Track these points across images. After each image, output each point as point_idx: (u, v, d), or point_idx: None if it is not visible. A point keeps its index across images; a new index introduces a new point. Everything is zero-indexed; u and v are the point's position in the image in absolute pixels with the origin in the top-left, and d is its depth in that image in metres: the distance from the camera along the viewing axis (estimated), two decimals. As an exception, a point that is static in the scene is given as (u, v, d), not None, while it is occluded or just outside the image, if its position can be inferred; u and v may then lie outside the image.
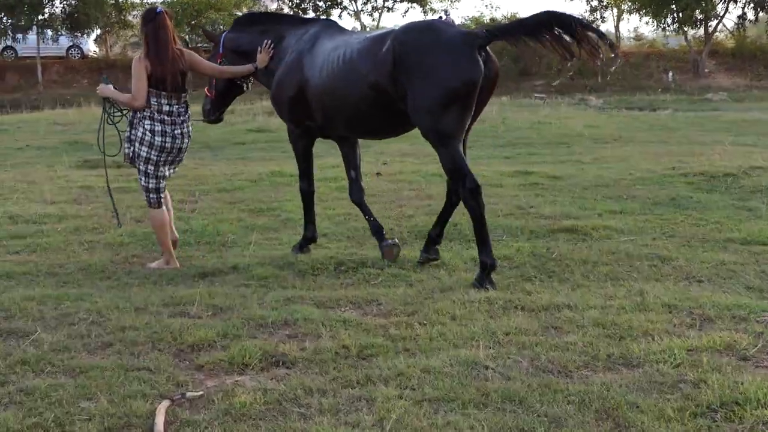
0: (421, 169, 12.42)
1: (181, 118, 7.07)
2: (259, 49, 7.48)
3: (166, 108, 6.98)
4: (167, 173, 7.18)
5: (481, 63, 6.23)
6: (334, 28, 7.40)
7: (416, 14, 53.19)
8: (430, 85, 6.18)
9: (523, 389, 4.27)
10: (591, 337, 5.08)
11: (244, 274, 6.72)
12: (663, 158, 13.84)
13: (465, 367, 4.55)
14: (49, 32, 44.43)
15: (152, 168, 7.03)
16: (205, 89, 7.94)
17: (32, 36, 44.35)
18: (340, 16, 50.52)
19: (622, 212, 9.27)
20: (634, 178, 11.65)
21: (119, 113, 7.41)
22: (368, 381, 4.38)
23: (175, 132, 7.00)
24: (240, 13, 42.39)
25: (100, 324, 5.40)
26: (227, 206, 9.76)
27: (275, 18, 7.85)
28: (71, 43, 47.35)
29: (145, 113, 6.96)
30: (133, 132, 7.06)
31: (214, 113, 7.96)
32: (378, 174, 12.07)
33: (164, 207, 7.18)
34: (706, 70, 45.53)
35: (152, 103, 6.94)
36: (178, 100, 7.06)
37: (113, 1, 44.57)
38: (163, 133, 6.96)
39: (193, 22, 39.29)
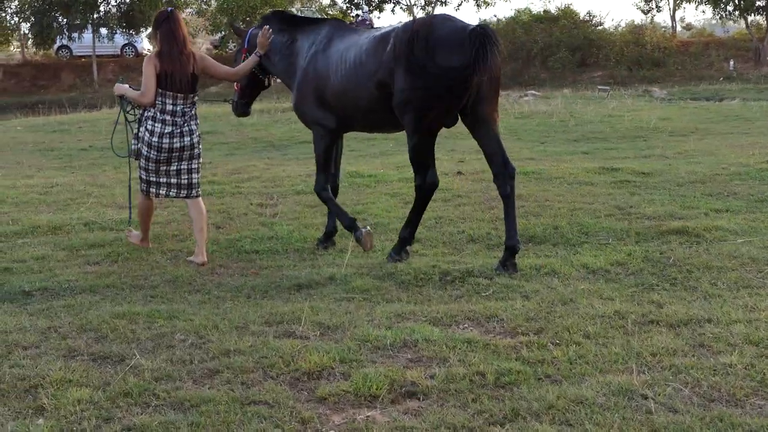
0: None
1: (186, 117, 7.28)
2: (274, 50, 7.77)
3: (170, 107, 7.22)
4: (174, 169, 7.32)
5: (473, 56, 6.20)
6: (344, 28, 7.61)
7: (469, 7, 52.64)
8: (416, 76, 6.35)
9: (696, 424, 3.77)
10: (749, 358, 4.54)
11: (343, 286, 6.23)
12: (751, 151, 13.16)
13: (621, 397, 4.04)
14: (104, 31, 44.42)
15: (152, 165, 7.29)
16: (234, 83, 8.24)
17: (87, 35, 44.41)
18: (392, 10, 49.97)
19: (728, 211, 8.67)
20: (729, 173, 10.99)
21: (133, 110, 7.74)
22: (517, 415, 3.88)
23: (175, 131, 7.22)
24: (294, 9, 42.06)
25: (201, 347, 4.94)
26: (309, 210, 9.26)
27: (292, 19, 8.07)
28: (126, 42, 47.32)
29: (149, 113, 7.23)
30: (140, 129, 7.35)
31: (240, 106, 8.26)
32: (459, 173, 11.52)
33: (152, 200, 7.60)
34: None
35: (157, 102, 7.19)
36: (185, 100, 7.27)
37: (166, -1, 44.43)
38: (161, 135, 7.19)
39: (247, 19, 38.92)
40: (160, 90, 7.16)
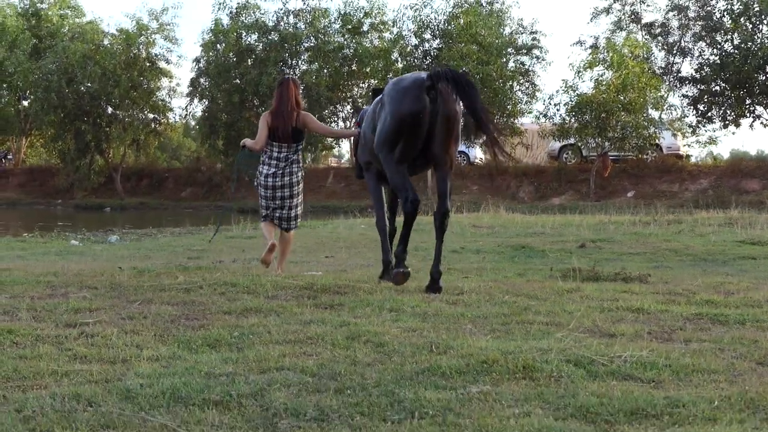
0: None
1: (289, 161, 9.27)
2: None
3: (275, 153, 9.27)
4: (278, 204, 9.32)
5: (426, 100, 7.44)
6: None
7: None
8: (385, 117, 7.74)
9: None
10: None
11: None
12: None
13: None
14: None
15: (262, 196, 9.38)
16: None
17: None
18: (751, 126, 44.27)
19: None
20: None
21: (250, 156, 10.07)
22: None
23: (277, 173, 9.24)
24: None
25: None
26: None
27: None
28: (460, 149, 44.58)
29: (262, 157, 9.40)
30: (258, 170, 9.43)
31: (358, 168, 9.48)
32: None
33: (269, 221, 9.40)
34: None
35: (266, 149, 9.30)
36: (288, 148, 9.27)
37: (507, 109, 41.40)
38: (267, 175, 9.28)
39: (601, 124, 34.91)
40: (269, 141, 9.19)
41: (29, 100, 49.72)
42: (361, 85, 47.10)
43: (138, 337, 5.61)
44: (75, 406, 4.03)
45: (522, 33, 43.43)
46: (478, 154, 46.01)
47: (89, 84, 44.16)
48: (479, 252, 13.70)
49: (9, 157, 55.16)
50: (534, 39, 43.30)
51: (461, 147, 43.93)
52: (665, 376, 4.62)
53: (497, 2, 43.37)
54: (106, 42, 46.86)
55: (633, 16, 44.99)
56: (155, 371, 4.67)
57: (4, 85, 50.30)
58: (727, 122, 43.52)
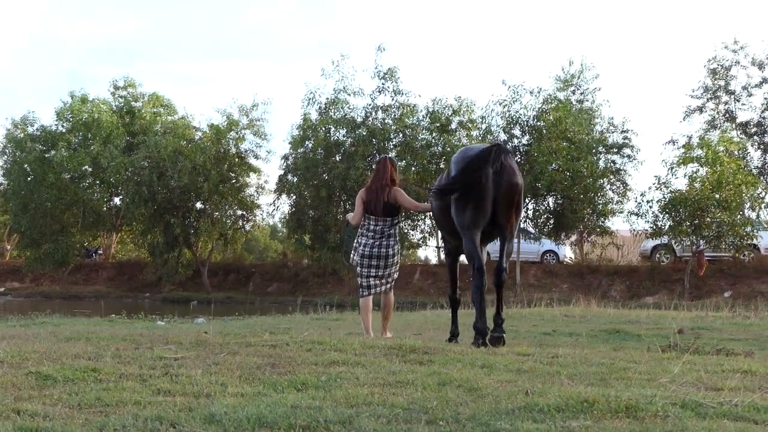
0: None
1: (384, 234, 9.85)
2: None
3: (372, 226, 9.87)
4: (374, 273, 9.87)
5: (489, 171, 7.96)
6: None
7: None
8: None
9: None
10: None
11: None
12: None
13: None
14: (531, 230, 41.41)
15: (359, 269, 9.95)
16: None
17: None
18: None
19: None
20: None
21: (353, 230, 10.37)
22: None
23: (374, 243, 9.82)
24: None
25: None
26: None
27: None
28: (546, 248, 43.98)
29: (361, 230, 9.99)
30: (356, 241, 10.04)
31: None
32: None
33: (369, 297, 9.93)
34: None
35: (363, 222, 9.94)
36: (384, 222, 9.85)
37: (597, 208, 40.68)
38: (364, 245, 9.87)
39: (696, 222, 33.98)
40: (366, 214, 9.86)
41: (121, 196, 50.74)
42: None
43: (222, 377, 5.49)
44: (158, 426, 3.93)
45: (613, 131, 42.97)
46: (567, 252, 45.39)
47: (179, 178, 44.60)
48: (572, 335, 13.29)
49: (99, 252, 56.28)
50: (625, 138, 42.77)
51: (551, 246, 43.50)
52: (784, 418, 4.29)
53: (587, 101, 43.11)
54: (196, 137, 47.33)
55: (727, 115, 44.02)
56: (240, 403, 4.53)
57: (98, 181, 51.37)
58: (828, 226, 41.85)
